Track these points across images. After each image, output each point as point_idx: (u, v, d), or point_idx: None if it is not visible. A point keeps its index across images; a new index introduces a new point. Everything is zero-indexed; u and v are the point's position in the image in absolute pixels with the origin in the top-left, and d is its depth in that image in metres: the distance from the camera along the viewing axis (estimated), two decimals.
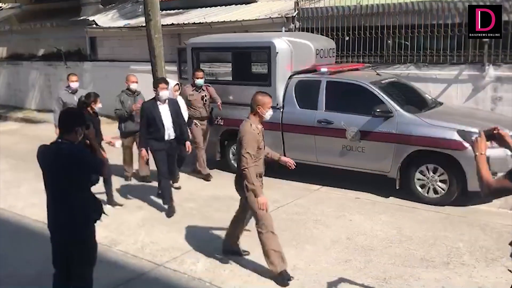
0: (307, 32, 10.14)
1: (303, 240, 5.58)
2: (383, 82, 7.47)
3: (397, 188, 6.90)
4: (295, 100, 7.68)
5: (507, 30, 8.32)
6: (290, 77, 7.81)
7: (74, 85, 8.20)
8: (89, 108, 6.61)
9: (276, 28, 10.57)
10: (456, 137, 6.30)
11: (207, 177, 8.16)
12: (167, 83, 6.92)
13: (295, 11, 10.62)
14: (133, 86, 7.93)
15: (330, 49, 8.66)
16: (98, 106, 6.76)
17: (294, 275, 4.68)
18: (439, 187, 6.59)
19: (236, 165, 5.13)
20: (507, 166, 6.36)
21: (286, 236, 5.59)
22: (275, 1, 12.15)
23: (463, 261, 4.98)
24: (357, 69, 8.42)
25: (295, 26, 10.60)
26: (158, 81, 6.80)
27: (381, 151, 6.91)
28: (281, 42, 7.77)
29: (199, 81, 8.00)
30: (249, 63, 8.63)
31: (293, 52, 7.80)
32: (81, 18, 15.33)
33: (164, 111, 6.58)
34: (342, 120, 7.16)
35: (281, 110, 7.70)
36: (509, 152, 6.37)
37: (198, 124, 8.01)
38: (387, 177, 7.00)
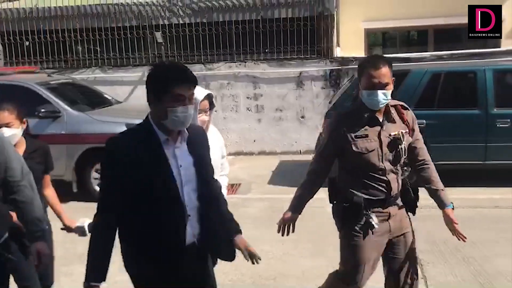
0: None
1: None
2: (52, 82, 7.08)
3: (75, 191, 6.58)
4: None
5: (185, 31, 9.00)
6: None
7: None
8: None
9: None
10: None
11: None
12: None
13: None
14: None
15: None
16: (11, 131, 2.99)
17: None
18: None
19: None
20: None
21: None
22: None
23: None
24: (32, 72, 7.82)
25: None
26: None
27: (54, 154, 6.46)
28: None
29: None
30: None
31: None
32: None
33: None
34: None
35: None
36: None
37: (374, 222, 2.69)
38: (65, 181, 6.61)
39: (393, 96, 2.69)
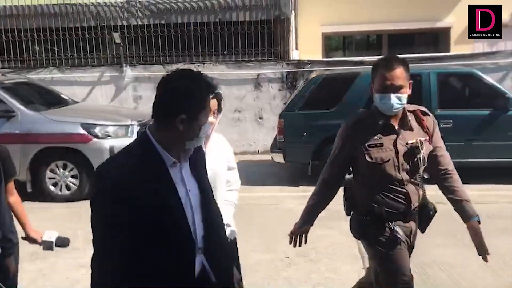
0: None
1: None
2: (6, 82, 7.05)
3: (30, 190, 6.56)
4: None
5: (144, 32, 9.05)
6: None
7: None
8: None
9: None
10: (80, 130, 6.41)
11: None
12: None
13: None
14: None
15: None
16: None
17: None
18: (71, 183, 6.56)
19: None
20: None
21: None
22: None
23: None
24: None
25: None
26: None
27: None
28: None
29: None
30: None
31: None
32: None
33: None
34: None
35: None
36: None
37: (400, 235, 2.57)
38: (19, 181, 6.56)
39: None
